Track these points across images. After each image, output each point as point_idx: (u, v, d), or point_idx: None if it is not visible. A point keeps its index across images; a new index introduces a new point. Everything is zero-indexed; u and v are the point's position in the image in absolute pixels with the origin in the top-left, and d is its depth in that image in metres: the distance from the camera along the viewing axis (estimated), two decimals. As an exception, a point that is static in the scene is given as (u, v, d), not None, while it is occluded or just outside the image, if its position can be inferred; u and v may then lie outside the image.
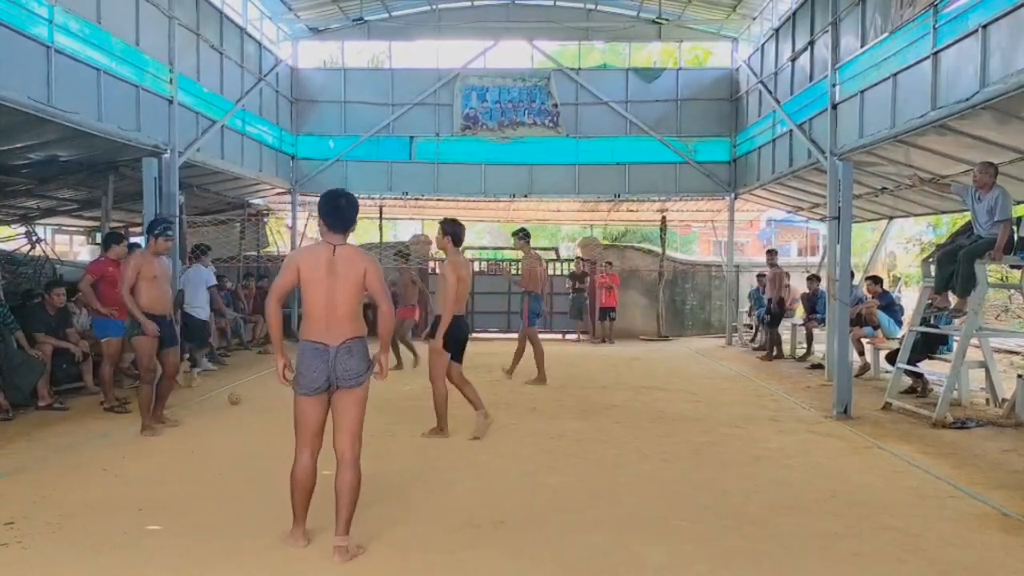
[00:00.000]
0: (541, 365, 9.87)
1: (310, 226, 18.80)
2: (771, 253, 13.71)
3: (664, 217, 17.81)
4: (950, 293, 7.93)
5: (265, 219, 17.41)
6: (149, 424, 6.62)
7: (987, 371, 8.30)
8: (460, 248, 6.45)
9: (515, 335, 16.30)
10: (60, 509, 4.48)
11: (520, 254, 10.86)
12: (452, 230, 6.41)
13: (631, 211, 19.20)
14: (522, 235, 9.92)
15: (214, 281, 10.64)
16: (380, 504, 4.67)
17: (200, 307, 10.07)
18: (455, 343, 6.45)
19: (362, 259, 3.93)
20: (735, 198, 16.25)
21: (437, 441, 6.54)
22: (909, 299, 14.76)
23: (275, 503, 4.76)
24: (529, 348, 10.01)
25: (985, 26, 6.93)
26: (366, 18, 16.18)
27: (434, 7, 16.24)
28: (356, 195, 4.13)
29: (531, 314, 9.92)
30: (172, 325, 6.94)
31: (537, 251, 10.90)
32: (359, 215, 4.12)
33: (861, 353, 10.56)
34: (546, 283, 10.70)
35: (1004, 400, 7.88)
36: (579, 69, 16.66)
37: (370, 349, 4.01)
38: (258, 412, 7.80)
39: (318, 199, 4.03)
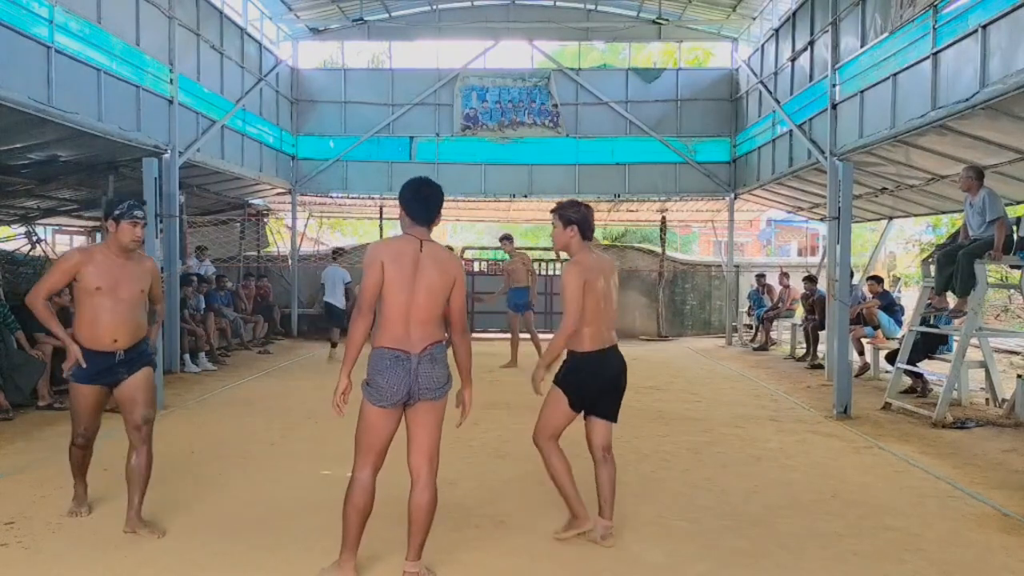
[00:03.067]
0: (515, 350, 11.50)
1: (310, 226, 18.83)
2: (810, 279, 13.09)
3: (664, 217, 17.80)
4: (949, 294, 7.93)
5: (265, 219, 17.42)
6: (76, 498, 4.49)
7: (987, 371, 8.30)
8: (589, 242, 4.17)
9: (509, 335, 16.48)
10: (60, 509, 4.47)
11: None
12: (576, 216, 4.09)
13: (631, 211, 19.19)
14: (507, 239, 11.97)
15: (349, 278, 12.23)
16: (380, 504, 4.65)
17: (338, 300, 12.17)
18: (579, 388, 4.10)
19: (455, 265, 3.54)
20: (735, 198, 16.25)
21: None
22: (909, 299, 14.76)
23: (276, 503, 4.76)
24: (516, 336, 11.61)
25: (985, 26, 6.94)
26: (366, 18, 16.18)
27: (434, 7, 16.25)
28: (439, 191, 3.62)
29: (511, 305, 11.56)
30: (136, 363, 4.20)
31: (521, 251, 12.69)
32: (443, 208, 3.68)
33: (861, 353, 10.57)
34: (533, 280, 11.93)
35: (1004, 400, 7.88)
36: (579, 69, 16.67)
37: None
38: (259, 412, 7.80)
39: (400, 190, 3.60)
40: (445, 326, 3.58)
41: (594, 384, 4.06)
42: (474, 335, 16.41)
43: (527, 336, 11.61)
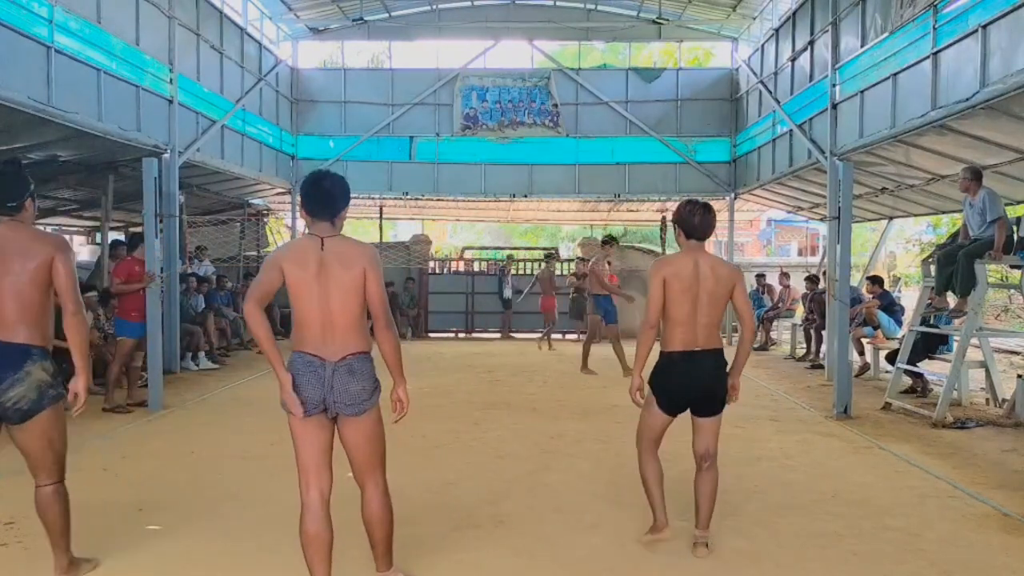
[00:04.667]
0: (622, 356, 10.28)
1: (310, 226, 18.81)
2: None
3: (664, 217, 17.74)
4: (950, 294, 7.92)
5: (265, 219, 17.42)
6: None
7: (987, 371, 8.30)
8: (698, 241, 3.93)
9: (514, 336, 16.50)
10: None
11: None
12: (677, 216, 4.00)
13: (631, 211, 19.21)
14: (609, 241, 10.94)
15: None
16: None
17: None
18: (666, 389, 3.95)
19: (360, 255, 3.20)
20: (735, 198, 16.26)
21: (437, 441, 6.50)
22: (909, 299, 14.75)
23: (276, 503, 4.76)
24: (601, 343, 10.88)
25: (985, 26, 6.94)
26: (366, 18, 16.18)
27: (434, 7, 16.25)
28: (340, 183, 3.30)
29: (604, 312, 10.66)
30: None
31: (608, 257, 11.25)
32: (350, 203, 3.40)
33: (861, 353, 10.56)
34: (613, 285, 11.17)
35: (1004, 400, 7.88)
36: (579, 69, 16.68)
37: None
38: (258, 412, 7.79)
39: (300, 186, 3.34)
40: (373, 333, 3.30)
41: (681, 385, 3.90)
42: (473, 335, 16.69)
43: (597, 342, 11.08)
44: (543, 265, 15.74)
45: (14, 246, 3.30)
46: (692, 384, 3.90)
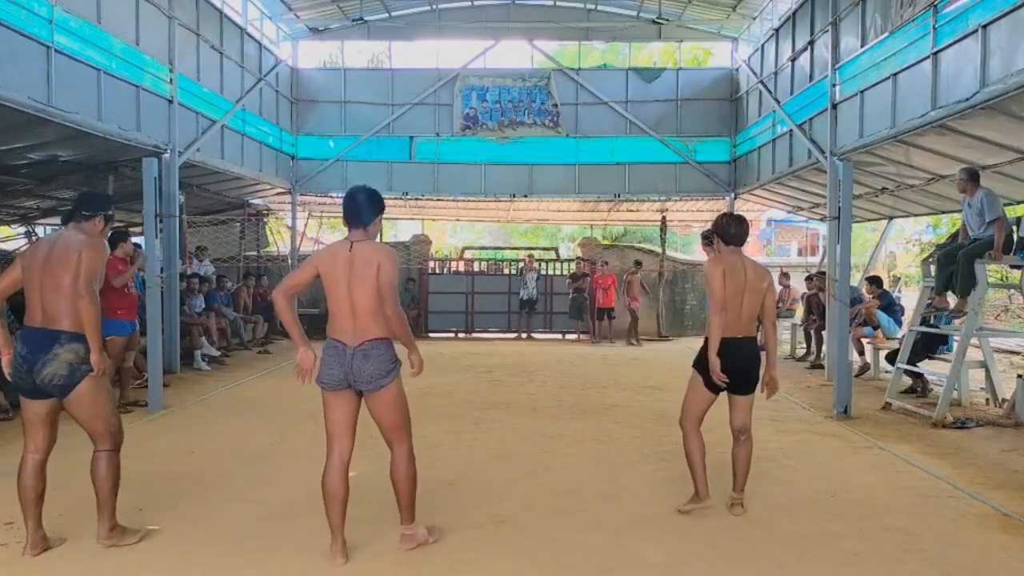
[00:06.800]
0: None
1: (310, 226, 18.81)
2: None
3: (664, 217, 17.81)
4: (950, 294, 7.92)
5: (265, 219, 17.42)
6: None
7: (987, 371, 8.30)
8: (736, 246, 4.62)
9: (512, 335, 16.53)
10: (59, 509, 4.47)
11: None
12: (712, 231, 4.78)
13: (631, 211, 19.19)
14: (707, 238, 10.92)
15: None
16: (380, 504, 4.66)
17: None
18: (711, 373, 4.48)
19: (377, 254, 3.80)
20: (735, 198, 16.25)
21: (437, 441, 6.51)
22: (909, 299, 14.76)
23: (275, 503, 4.76)
24: None
25: (985, 26, 6.94)
26: (366, 18, 16.18)
27: (434, 7, 16.25)
28: (368, 198, 3.92)
29: None
30: None
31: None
32: (383, 213, 4.01)
33: (861, 353, 10.56)
34: None
35: (1004, 400, 7.88)
36: (579, 69, 16.67)
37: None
38: (259, 413, 7.80)
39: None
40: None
41: (724, 367, 4.44)
42: (473, 334, 16.70)
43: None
44: (633, 271, 16.27)
45: (62, 249, 3.88)
46: (732, 368, 4.45)
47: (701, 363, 4.57)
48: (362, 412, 3.91)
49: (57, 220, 14.74)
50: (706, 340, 4.54)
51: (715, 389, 4.55)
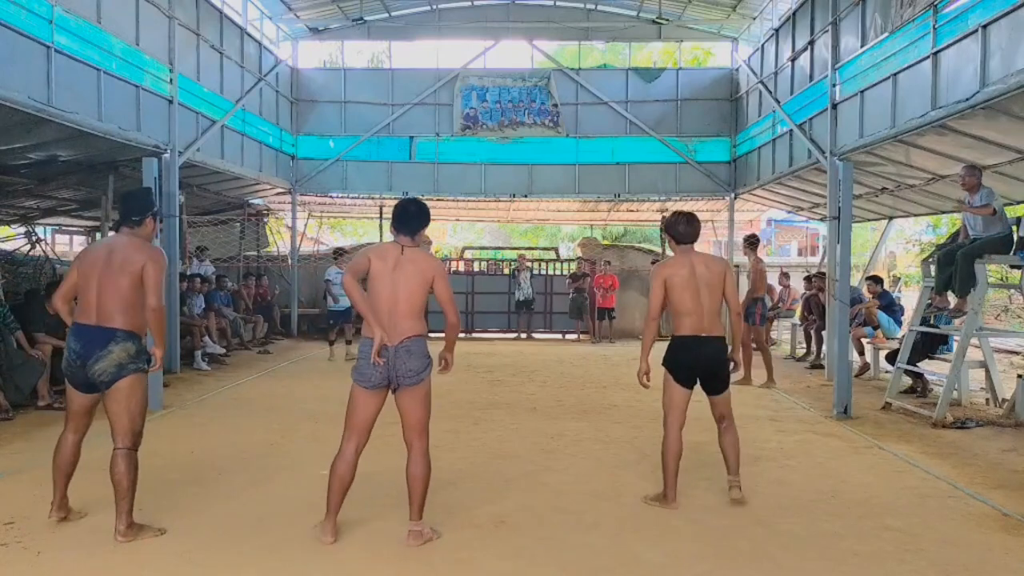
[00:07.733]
0: (749, 365, 9.81)
1: (310, 226, 18.83)
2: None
3: (664, 217, 17.79)
4: (950, 293, 7.93)
5: (265, 219, 17.42)
6: None
7: (987, 371, 8.30)
8: (686, 244, 4.76)
9: (512, 335, 16.53)
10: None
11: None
12: (668, 226, 4.90)
13: (631, 211, 19.20)
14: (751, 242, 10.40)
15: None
16: (380, 504, 4.67)
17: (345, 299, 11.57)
18: (677, 364, 4.70)
19: (431, 266, 4.10)
20: (735, 198, 16.26)
21: (437, 441, 6.47)
22: (909, 299, 14.75)
23: (275, 503, 4.76)
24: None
25: (985, 26, 6.94)
26: (366, 18, 16.19)
27: (434, 7, 16.25)
28: (423, 202, 4.34)
29: (760, 315, 10.26)
30: None
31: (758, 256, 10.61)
32: (428, 224, 4.30)
33: (861, 353, 10.56)
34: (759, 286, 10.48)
35: (1004, 400, 7.87)
36: (579, 69, 16.67)
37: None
38: (259, 413, 7.79)
39: (393, 209, 4.23)
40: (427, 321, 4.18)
41: (690, 362, 4.66)
42: (473, 335, 16.70)
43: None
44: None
45: (121, 253, 4.14)
46: (698, 363, 4.65)
47: (670, 357, 4.73)
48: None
49: (57, 220, 14.76)
50: (672, 338, 4.71)
51: (687, 383, 4.70)
